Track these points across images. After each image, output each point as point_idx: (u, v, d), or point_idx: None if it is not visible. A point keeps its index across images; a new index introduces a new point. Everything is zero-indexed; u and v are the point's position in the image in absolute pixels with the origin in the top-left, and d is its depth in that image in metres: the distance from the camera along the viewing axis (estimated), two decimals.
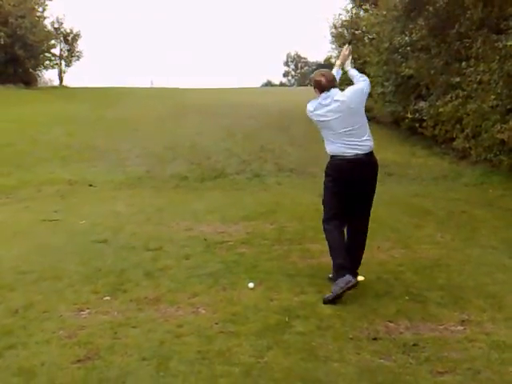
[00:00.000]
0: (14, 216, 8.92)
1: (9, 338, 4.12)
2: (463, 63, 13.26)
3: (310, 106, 5.16)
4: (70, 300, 4.88)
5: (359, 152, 4.99)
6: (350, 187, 5.08)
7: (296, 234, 7.40)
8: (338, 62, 5.56)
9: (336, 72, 5.44)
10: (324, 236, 5.24)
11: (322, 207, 5.31)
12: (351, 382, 3.48)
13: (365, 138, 5.04)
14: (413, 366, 3.67)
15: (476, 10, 12.51)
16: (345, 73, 5.59)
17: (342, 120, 4.98)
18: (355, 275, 5.04)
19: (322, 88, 5.07)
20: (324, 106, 5.04)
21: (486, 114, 12.45)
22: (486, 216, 8.95)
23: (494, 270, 5.84)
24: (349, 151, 4.99)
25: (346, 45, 5.67)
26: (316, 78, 5.13)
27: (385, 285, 5.30)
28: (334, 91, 5.05)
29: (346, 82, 5.84)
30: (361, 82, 5.18)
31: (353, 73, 5.40)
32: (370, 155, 5.07)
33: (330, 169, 5.17)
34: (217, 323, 4.37)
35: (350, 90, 5.10)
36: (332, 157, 5.14)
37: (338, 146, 5.03)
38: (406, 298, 4.94)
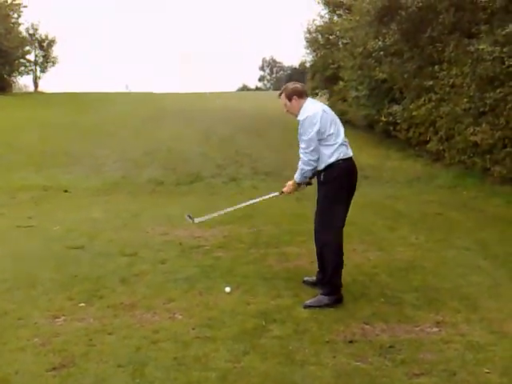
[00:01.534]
0: None
1: None
2: (436, 67, 13.44)
3: (323, 107, 4.97)
4: (45, 307, 4.82)
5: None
6: (353, 190, 5.01)
7: (272, 237, 7.41)
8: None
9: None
10: (330, 252, 4.93)
11: (324, 221, 4.92)
12: None
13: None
14: (389, 368, 3.68)
15: (448, 14, 12.70)
16: None
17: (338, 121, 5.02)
18: None
19: (300, 94, 5.00)
20: (325, 106, 5.02)
21: (459, 117, 12.62)
22: (459, 218, 9.04)
23: (469, 271, 5.90)
24: (349, 152, 4.94)
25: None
26: (291, 87, 5.05)
27: (360, 287, 5.33)
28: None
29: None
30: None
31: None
32: None
33: (339, 174, 4.84)
34: (193, 328, 4.34)
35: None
36: (334, 163, 4.80)
37: (342, 147, 4.86)
38: (382, 300, 4.96)
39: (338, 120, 5.02)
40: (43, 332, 4.29)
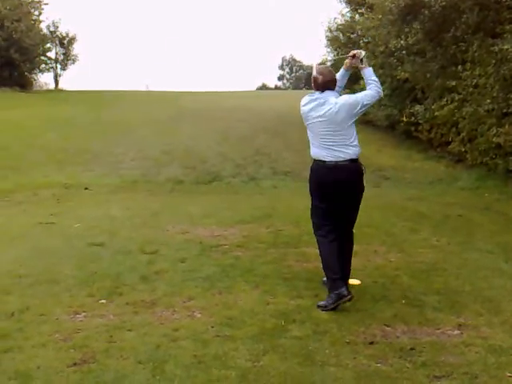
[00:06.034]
0: (11, 219, 8.89)
1: (5, 341, 4.09)
2: (459, 67, 13.29)
3: (303, 100, 4.99)
4: (66, 303, 4.86)
5: (339, 159, 4.82)
6: (330, 193, 4.91)
7: (292, 237, 7.38)
8: (347, 62, 5.30)
9: (341, 75, 5.30)
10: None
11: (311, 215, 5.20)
12: None
13: (347, 144, 4.86)
14: (410, 370, 3.66)
15: (472, 13, 12.54)
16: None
17: (326, 125, 4.85)
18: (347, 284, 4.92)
19: (317, 86, 4.94)
20: (314, 105, 4.88)
21: (481, 118, 12.47)
22: (481, 220, 8.96)
23: (491, 274, 5.84)
24: (328, 157, 4.83)
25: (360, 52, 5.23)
26: (314, 75, 4.97)
27: (381, 289, 5.30)
28: (328, 94, 4.90)
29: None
30: (363, 94, 4.99)
31: (367, 74, 5.15)
32: (351, 161, 4.86)
33: (311, 173, 5.07)
34: (213, 327, 4.35)
35: (345, 99, 4.88)
36: (314, 160, 5.00)
37: (318, 150, 4.91)
38: (403, 302, 4.93)
39: (325, 130, 4.97)
40: (64, 328, 4.33)
